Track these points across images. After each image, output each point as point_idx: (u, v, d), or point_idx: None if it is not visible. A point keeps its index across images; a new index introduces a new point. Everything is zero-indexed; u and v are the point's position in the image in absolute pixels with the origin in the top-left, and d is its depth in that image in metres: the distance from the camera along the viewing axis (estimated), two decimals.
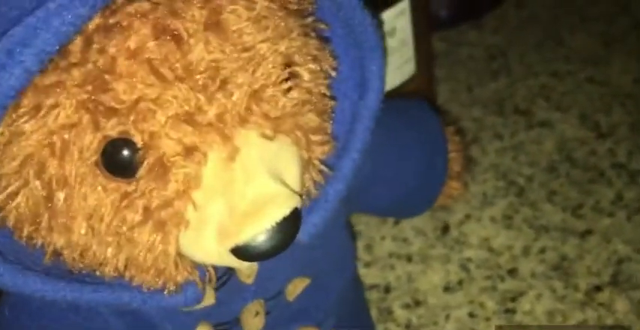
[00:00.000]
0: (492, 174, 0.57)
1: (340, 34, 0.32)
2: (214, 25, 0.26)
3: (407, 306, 0.49)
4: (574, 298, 0.48)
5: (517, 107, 0.63)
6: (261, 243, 0.26)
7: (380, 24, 0.31)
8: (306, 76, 0.29)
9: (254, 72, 0.27)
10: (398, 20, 0.51)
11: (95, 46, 0.25)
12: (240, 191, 0.26)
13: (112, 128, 0.26)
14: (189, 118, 0.26)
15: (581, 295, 0.48)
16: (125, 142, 0.26)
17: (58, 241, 0.28)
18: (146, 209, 0.27)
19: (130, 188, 0.26)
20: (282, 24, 0.28)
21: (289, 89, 0.28)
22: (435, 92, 0.63)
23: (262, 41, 0.27)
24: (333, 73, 0.31)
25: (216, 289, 0.32)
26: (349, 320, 0.40)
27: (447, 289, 0.49)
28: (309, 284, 0.35)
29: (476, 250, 0.51)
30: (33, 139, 0.26)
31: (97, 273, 0.29)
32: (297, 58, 0.29)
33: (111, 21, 0.26)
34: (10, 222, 0.28)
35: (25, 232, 0.28)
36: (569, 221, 0.52)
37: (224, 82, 0.26)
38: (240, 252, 0.27)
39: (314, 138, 0.30)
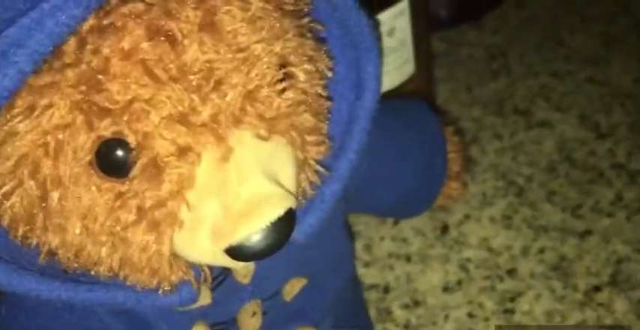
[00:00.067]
0: (492, 174, 0.57)
1: (336, 35, 0.32)
2: (209, 25, 0.26)
3: (406, 306, 0.49)
4: (573, 298, 0.48)
5: (517, 107, 0.63)
6: (255, 243, 0.26)
7: (376, 25, 0.31)
8: (301, 76, 0.29)
9: (248, 72, 0.27)
10: (397, 20, 0.51)
11: (89, 46, 0.25)
12: (234, 191, 0.26)
13: (106, 128, 0.26)
14: (182, 119, 0.26)
15: (581, 296, 0.48)
16: (119, 142, 0.26)
17: (53, 240, 0.28)
18: (140, 209, 0.27)
19: (124, 188, 0.27)
20: (278, 25, 0.28)
21: (284, 90, 0.28)
22: (435, 92, 0.63)
23: (257, 42, 0.27)
24: (329, 74, 0.31)
25: (213, 289, 0.32)
26: (347, 320, 0.40)
27: (446, 289, 0.49)
28: (307, 284, 0.35)
29: (475, 251, 0.51)
30: (27, 140, 0.26)
31: (92, 273, 0.29)
32: (292, 58, 0.29)
33: (105, 22, 0.26)
34: (5, 222, 0.28)
35: (20, 232, 0.28)
36: (568, 221, 0.52)
37: (218, 83, 0.26)
38: (235, 252, 0.27)
39: (309, 138, 0.30)
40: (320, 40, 0.31)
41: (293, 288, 0.35)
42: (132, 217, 0.27)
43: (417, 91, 0.55)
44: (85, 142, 0.26)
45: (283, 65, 0.28)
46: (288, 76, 0.28)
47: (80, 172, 0.26)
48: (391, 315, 0.48)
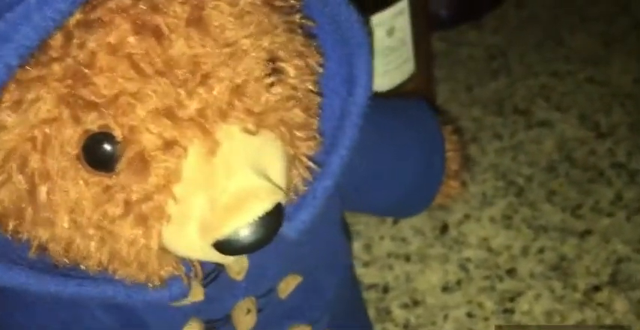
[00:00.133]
0: (492, 174, 0.57)
1: (327, 31, 0.32)
2: (196, 20, 0.26)
3: (405, 306, 0.49)
4: (573, 298, 0.48)
5: (517, 107, 0.62)
6: (243, 237, 0.26)
7: (366, 20, 0.31)
8: (291, 72, 0.29)
9: (236, 67, 0.27)
10: (397, 20, 0.51)
11: (75, 41, 0.26)
12: (221, 185, 0.26)
13: (92, 122, 0.26)
14: (169, 113, 0.26)
15: (580, 295, 0.48)
16: (106, 136, 0.26)
17: (43, 235, 0.28)
18: (127, 203, 0.27)
19: (111, 182, 0.27)
20: (266, 20, 0.28)
21: (273, 84, 0.28)
22: (435, 92, 0.63)
23: (245, 37, 0.27)
24: (320, 70, 0.31)
25: (205, 286, 0.32)
26: (344, 319, 0.40)
27: (445, 289, 0.49)
28: (302, 282, 0.35)
29: (475, 250, 0.51)
30: (15, 134, 0.26)
31: (82, 267, 0.29)
32: (282, 54, 0.29)
33: (92, 16, 0.26)
34: None
35: (11, 227, 0.28)
36: (568, 221, 0.52)
37: (205, 77, 0.26)
38: (223, 246, 0.27)
39: (299, 134, 0.30)
40: (311, 36, 0.31)
41: (288, 285, 0.35)
42: (119, 211, 0.27)
43: (417, 91, 0.55)
44: (71, 135, 0.26)
45: (272, 60, 0.28)
46: (277, 72, 0.28)
47: (67, 166, 0.27)
48: (390, 315, 0.48)
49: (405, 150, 0.42)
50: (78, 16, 0.26)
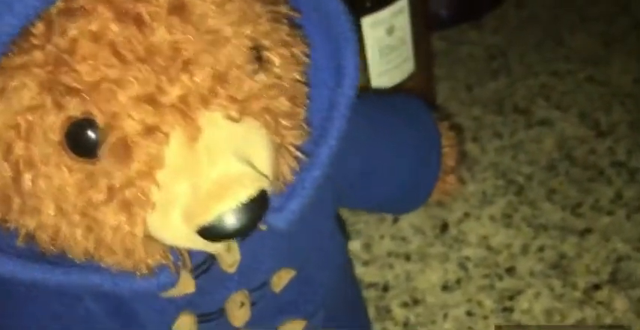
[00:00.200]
0: (492, 173, 0.57)
1: (315, 23, 0.32)
2: (178, 8, 0.26)
3: (405, 305, 0.49)
4: (572, 296, 0.48)
5: (517, 106, 0.62)
6: (227, 223, 0.26)
7: (350, 11, 0.31)
8: (276, 60, 0.29)
9: (217, 54, 0.27)
10: (397, 18, 0.51)
11: (57, 28, 0.26)
12: (204, 172, 0.26)
13: (75, 109, 0.26)
14: (150, 99, 0.26)
15: (580, 294, 0.48)
16: (88, 122, 0.26)
17: (30, 223, 0.28)
18: (110, 189, 0.27)
19: (94, 168, 0.27)
20: (249, 9, 0.28)
21: (256, 72, 0.28)
22: (435, 91, 0.63)
23: (227, 24, 0.27)
24: (306, 60, 0.31)
25: (197, 277, 0.32)
26: (341, 316, 0.40)
27: (445, 287, 0.49)
28: (296, 276, 0.35)
29: (474, 249, 0.51)
30: None
31: (69, 255, 0.29)
32: (266, 42, 0.29)
33: (74, 4, 0.26)
34: None
35: None
36: (568, 220, 0.52)
37: (187, 64, 0.26)
38: (207, 233, 0.27)
39: (285, 123, 0.30)
40: (297, 27, 0.32)
41: (281, 279, 0.35)
42: (102, 197, 0.27)
43: (417, 89, 0.55)
44: (54, 122, 0.26)
45: (257, 49, 0.28)
46: (262, 60, 0.29)
47: (51, 153, 0.27)
48: (390, 313, 0.48)
49: (400, 146, 0.42)
50: (60, 4, 0.26)
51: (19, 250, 0.29)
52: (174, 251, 0.31)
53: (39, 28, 0.26)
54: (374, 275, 0.51)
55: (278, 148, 0.30)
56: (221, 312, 0.34)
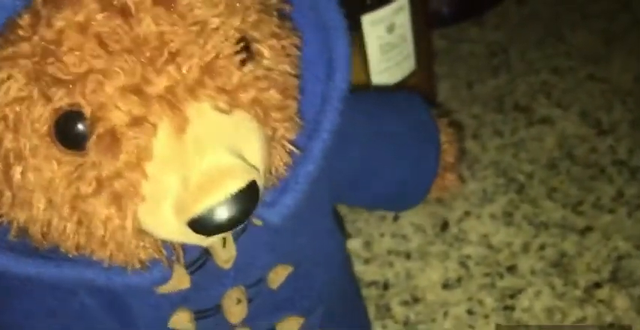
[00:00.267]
0: (492, 171, 0.57)
1: (308, 16, 0.32)
2: None
3: (405, 303, 0.49)
4: (573, 295, 0.47)
5: (517, 104, 0.62)
6: (217, 216, 0.26)
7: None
8: (265, 52, 0.29)
9: (205, 45, 0.27)
10: (397, 16, 0.51)
11: (43, 20, 0.26)
12: (193, 163, 0.26)
13: (61, 100, 0.26)
14: (137, 90, 0.26)
15: (581, 292, 0.48)
16: (76, 114, 0.26)
17: (21, 216, 0.29)
18: (98, 181, 0.27)
19: (82, 160, 0.27)
20: (236, 0, 0.28)
21: (245, 63, 0.28)
22: (436, 88, 0.63)
23: (214, 16, 0.27)
24: (297, 52, 0.31)
25: (192, 273, 0.32)
26: (340, 314, 0.40)
27: (445, 286, 0.49)
28: (293, 272, 0.35)
29: (475, 247, 0.51)
30: None
31: (62, 249, 0.29)
32: (255, 34, 0.29)
33: None
34: None
35: None
36: (569, 218, 0.52)
37: (173, 55, 0.26)
38: (197, 225, 0.27)
39: (276, 115, 0.30)
40: (289, 20, 0.32)
41: (277, 275, 0.35)
42: (91, 189, 0.27)
43: (417, 87, 0.55)
44: (41, 113, 0.26)
45: (246, 41, 0.28)
46: (251, 52, 0.29)
47: (39, 145, 0.27)
48: (390, 312, 0.48)
49: (399, 142, 0.42)
50: None
51: (11, 245, 0.30)
52: (168, 246, 0.31)
53: (25, 19, 0.26)
54: (374, 273, 0.51)
55: (270, 141, 0.30)
56: (217, 308, 0.34)
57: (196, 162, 0.26)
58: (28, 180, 0.27)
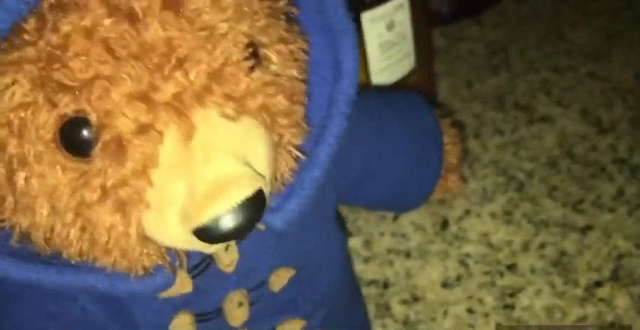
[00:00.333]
0: (492, 169, 0.56)
1: (314, 19, 0.32)
2: (172, 4, 0.26)
3: (405, 302, 0.48)
4: (574, 293, 0.47)
5: (518, 102, 0.62)
6: (223, 224, 0.26)
7: (350, 7, 0.31)
8: (273, 57, 0.29)
9: (213, 50, 0.26)
10: (397, 14, 0.51)
11: (49, 24, 0.25)
12: (200, 171, 0.26)
13: (67, 106, 0.26)
14: (144, 97, 0.26)
15: (581, 291, 0.47)
16: (82, 121, 0.26)
17: (24, 222, 0.28)
18: (103, 188, 0.27)
19: (87, 167, 0.27)
20: (245, 5, 0.28)
21: (253, 69, 0.28)
22: (436, 87, 0.62)
23: (222, 21, 0.27)
24: (305, 56, 0.31)
25: (194, 277, 0.32)
26: (341, 315, 0.40)
27: (445, 284, 0.49)
28: (295, 275, 0.35)
29: (475, 246, 0.51)
30: None
31: (64, 255, 0.29)
32: (263, 39, 0.29)
33: (65, 0, 0.26)
34: None
35: None
36: (569, 216, 0.52)
37: (181, 61, 0.26)
38: (203, 234, 0.26)
39: (283, 121, 0.29)
40: (296, 23, 0.31)
41: (279, 278, 0.34)
42: (96, 196, 0.27)
43: (417, 85, 0.55)
44: (46, 120, 0.26)
45: (254, 46, 0.28)
46: (259, 57, 0.28)
47: (44, 151, 0.27)
48: (390, 311, 0.48)
49: (401, 143, 0.42)
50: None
51: (12, 250, 0.29)
52: (171, 252, 0.30)
53: (31, 23, 0.26)
54: (374, 272, 0.50)
55: (276, 147, 0.29)
56: (219, 311, 0.34)
57: (203, 170, 0.26)
58: (32, 186, 0.27)
